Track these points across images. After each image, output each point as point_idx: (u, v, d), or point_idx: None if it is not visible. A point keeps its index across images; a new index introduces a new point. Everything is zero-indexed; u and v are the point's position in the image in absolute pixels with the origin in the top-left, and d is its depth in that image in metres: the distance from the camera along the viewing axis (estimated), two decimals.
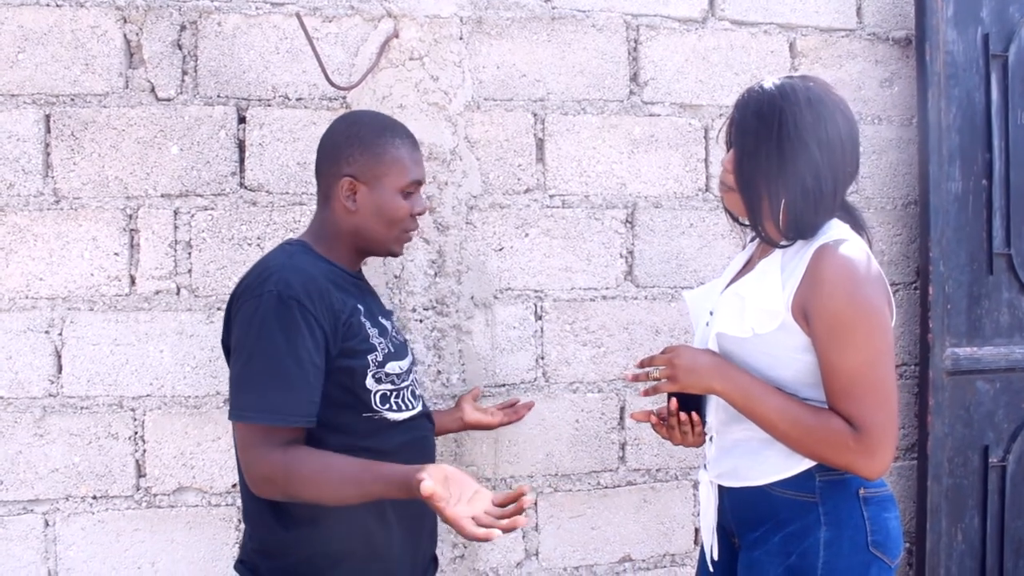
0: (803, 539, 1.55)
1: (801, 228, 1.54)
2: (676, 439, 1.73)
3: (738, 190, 1.59)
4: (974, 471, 2.55)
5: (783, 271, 1.55)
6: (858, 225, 1.63)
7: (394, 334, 1.73)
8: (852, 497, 1.55)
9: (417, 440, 1.71)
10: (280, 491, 1.51)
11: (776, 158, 1.53)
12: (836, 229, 1.55)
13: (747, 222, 1.64)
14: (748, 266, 1.71)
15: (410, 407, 1.68)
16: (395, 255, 1.77)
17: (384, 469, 1.48)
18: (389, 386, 1.64)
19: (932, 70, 2.48)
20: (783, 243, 1.58)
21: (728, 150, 1.65)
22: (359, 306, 1.64)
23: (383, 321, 1.71)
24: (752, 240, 1.75)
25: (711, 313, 1.68)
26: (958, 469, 2.54)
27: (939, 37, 2.49)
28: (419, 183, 1.71)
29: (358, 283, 1.74)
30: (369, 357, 1.61)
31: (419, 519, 1.71)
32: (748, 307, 1.57)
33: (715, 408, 1.68)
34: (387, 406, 1.63)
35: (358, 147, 1.66)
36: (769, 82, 1.59)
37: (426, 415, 1.77)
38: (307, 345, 1.51)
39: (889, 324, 1.51)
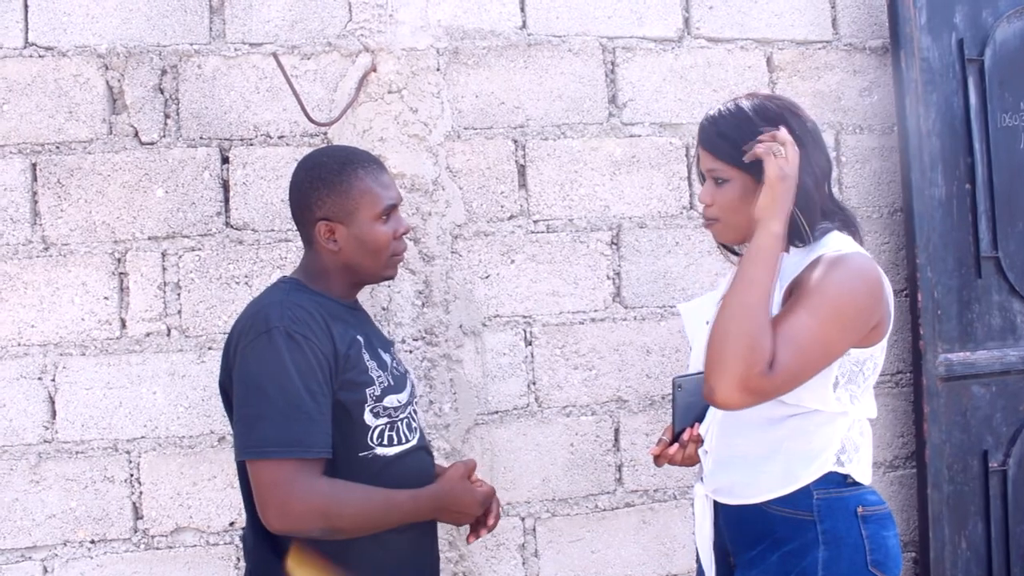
0: (801, 558, 1.53)
1: (803, 230, 1.55)
2: (676, 460, 1.72)
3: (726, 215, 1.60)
4: (975, 477, 2.54)
5: (780, 278, 1.55)
6: (857, 233, 1.63)
7: (394, 367, 1.73)
8: (851, 515, 1.53)
9: (415, 476, 1.68)
10: (325, 523, 1.51)
11: (755, 171, 1.54)
12: (839, 240, 1.56)
13: (741, 250, 1.65)
14: None
15: (404, 440, 1.67)
16: (390, 279, 1.78)
17: (412, 491, 1.60)
18: (386, 420, 1.64)
19: (909, 77, 2.50)
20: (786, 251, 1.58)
21: (702, 183, 1.66)
22: (359, 337, 1.64)
23: (383, 354, 1.70)
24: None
25: (707, 323, 1.68)
26: (958, 476, 2.52)
27: (914, 44, 2.50)
28: (394, 206, 1.70)
29: (355, 313, 1.74)
30: (367, 391, 1.61)
31: (420, 549, 1.71)
32: None
33: (713, 421, 1.67)
34: (380, 441, 1.63)
35: (323, 189, 1.66)
36: (714, 110, 1.61)
37: (423, 448, 1.76)
38: (318, 378, 1.53)
39: (852, 337, 1.49)
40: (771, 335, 1.43)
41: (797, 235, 1.55)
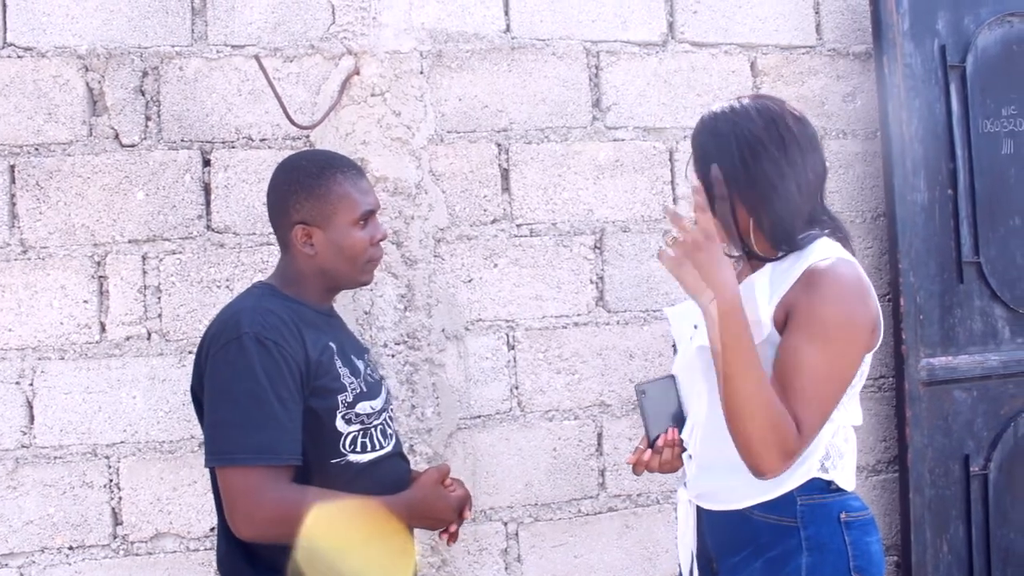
0: (784, 564, 1.53)
1: (787, 235, 1.54)
2: (653, 467, 1.71)
3: (714, 215, 1.59)
4: (956, 481, 2.55)
5: (771, 284, 1.54)
6: (846, 241, 1.63)
7: (368, 373, 1.72)
8: (834, 521, 1.52)
9: (389, 483, 1.67)
10: (293, 531, 1.50)
11: (742, 170, 1.53)
12: (826, 247, 1.55)
13: (734, 252, 1.65)
14: None
15: (378, 447, 1.66)
16: (365, 284, 1.77)
17: (385, 498, 1.58)
18: (358, 427, 1.63)
19: (892, 83, 2.51)
20: (776, 256, 1.57)
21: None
22: (331, 344, 1.64)
23: (356, 360, 1.69)
24: (738, 260, 1.74)
25: (695, 327, 1.67)
26: (940, 480, 2.53)
27: (897, 50, 2.51)
28: (372, 212, 1.70)
29: (330, 320, 1.73)
30: (339, 397, 1.60)
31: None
32: None
33: (697, 426, 1.66)
34: (353, 448, 1.62)
35: (302, 193, 1.65)
36: (717, 106, 1.61)
37: (398, 454, 1.75)
38: (288, 385, 1.52)
39: (863, 349, 1.50)
40: (779, 402, 1.41)
41: (781, 241, 1.55)
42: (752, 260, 1.63)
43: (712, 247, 1.44)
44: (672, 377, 1.66)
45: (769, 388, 1.43)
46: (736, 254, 1.72)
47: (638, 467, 1.68)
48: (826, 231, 1.60)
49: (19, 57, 2.19)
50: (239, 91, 2.27)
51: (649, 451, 1.65)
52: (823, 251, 1.54)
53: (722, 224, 1.58)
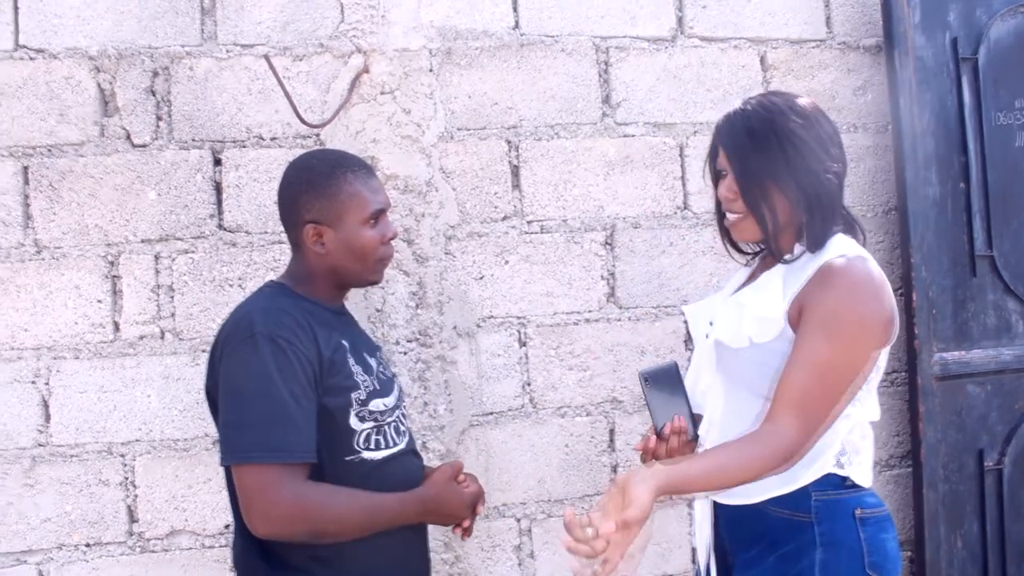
0: (798, 560, 1.53)
1: (820, 233, 1.54)
2: (660, 455, 1.70)
3: (750, 211, 1.58)
4: (970, 476, 2.54)
5: (785, 282, 1.55)
6: (858, 235, 1.63)
7: (380, 370, 1.72)
8: (849, 517, 1.52)
9: (402, 480, 1.67)
10: (309, 527, 1.51)
11: (783, 165, 1.53)
12: (842, 243, 1.55)
13: (756, 247, 1.64)
14: (751, 279, 1.70)
15: (392, 444, 1.67)
16: (376, 283, 1.78)
17: (399, 494, 1.59)
18: (372, 424, 1.63)
19: (903, 76, 2.49)
20: (790, 256, 1.57)
21: (716, 183, 1.65)
22: (344, 342, 1.64)
23: (368, 358, 1.70)
24: (755, 257, 1.74)
25: (711, 323, 1.67)
26: (953, 475, 2.52)
27: (908, 43, 2.50)
28: (383, 210, 1.70)
29: (342, 318, 1.74)
30: (352, 395, 1.61)
31: (411, 551, 1.71)
32: (747, 316, 1.56)
33: (713, 421, 1.66)
34: (367, 445, 1.63)
35: (312, 192, 1.66)
36: (745, 104, 1.60)
37: (412, 451, 1.76)
38: (301, 383, 1.53)
39: (872, 346, 1.50)
40: (747, 448, 1.43)
41: (819, 237, 1.55)
42: (767, 258, 1.63)
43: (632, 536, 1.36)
44: (675, 364, 1.66)
45: (734, 454, 1.44)
46: (750, 252, 1.72)
47: (645, 455, 1.68)
48: (841, 227, 1.60)
49: (31, 59, 2.21)
50: (249, 90, 2.28)
51: (655, 438, 1.65)
52: (838, 248, 1.54)
53: (756, 221, 1.59)
